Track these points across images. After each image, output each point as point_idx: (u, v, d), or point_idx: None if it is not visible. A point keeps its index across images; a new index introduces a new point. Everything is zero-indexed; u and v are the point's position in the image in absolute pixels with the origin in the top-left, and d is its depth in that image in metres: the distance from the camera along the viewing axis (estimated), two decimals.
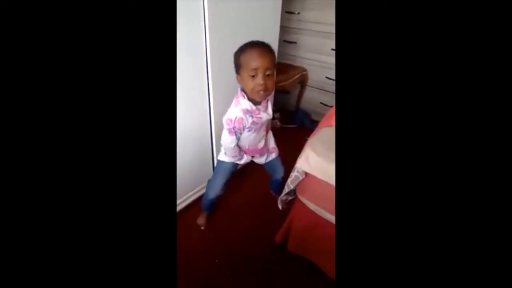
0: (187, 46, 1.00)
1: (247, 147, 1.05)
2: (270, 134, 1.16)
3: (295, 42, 1.97)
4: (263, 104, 0.96)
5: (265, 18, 1.32)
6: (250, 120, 0.94)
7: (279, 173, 1.20)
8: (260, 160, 1.15)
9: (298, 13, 1.87)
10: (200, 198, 1.40)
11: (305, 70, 1.96)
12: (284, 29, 1.84)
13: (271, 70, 0.87)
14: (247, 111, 0.92)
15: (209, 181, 1.20)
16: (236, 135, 0.96)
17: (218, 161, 1.13)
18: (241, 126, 0.94)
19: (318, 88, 2.02)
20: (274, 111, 1.12)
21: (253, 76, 0.85)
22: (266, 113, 0.98)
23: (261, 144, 1.08)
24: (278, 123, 2.03)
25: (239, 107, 0.91)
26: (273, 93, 1.00)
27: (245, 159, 1.10)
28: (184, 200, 1.35)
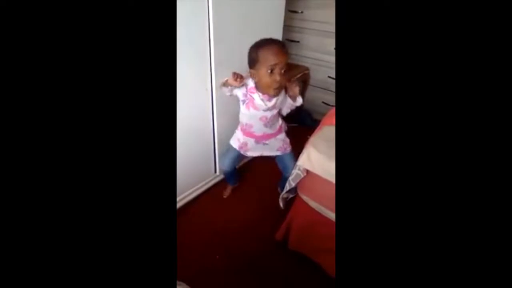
0: (191, 42, 1.01)
1: (245, 124, 1.09)
2: (282, 134, 1.17)
3: (298, 41, 1.97)
4: (266, 96, 0.98)
5: (269, 17, 1.33)
6: (243, 90, 0.99)
7: (290, 171, 1.20)
8: (256, 149, 1.17)
9: (302, 12, 1.86)
10: (202, 194, 1.42)
11: (307, 69, 1.96)
12: (287, 28, 1.83)
13: (285, 68, 0.90)
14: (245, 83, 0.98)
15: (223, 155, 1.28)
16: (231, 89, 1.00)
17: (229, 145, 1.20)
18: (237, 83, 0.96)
19: (320, 88, 2.02)
20: None
21: (270, 72, 0.89)
22: (263, 101, 0.98)
23: (259, 132, 1.09)
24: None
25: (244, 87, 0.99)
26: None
27: (250, 151, 1.16)
28: (186, 197, 1.36)
